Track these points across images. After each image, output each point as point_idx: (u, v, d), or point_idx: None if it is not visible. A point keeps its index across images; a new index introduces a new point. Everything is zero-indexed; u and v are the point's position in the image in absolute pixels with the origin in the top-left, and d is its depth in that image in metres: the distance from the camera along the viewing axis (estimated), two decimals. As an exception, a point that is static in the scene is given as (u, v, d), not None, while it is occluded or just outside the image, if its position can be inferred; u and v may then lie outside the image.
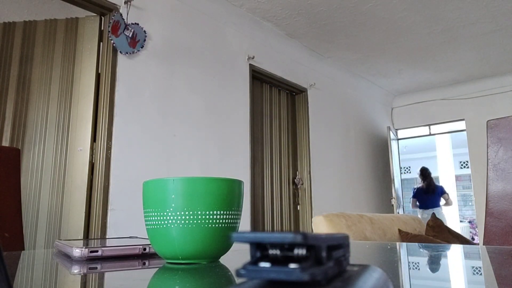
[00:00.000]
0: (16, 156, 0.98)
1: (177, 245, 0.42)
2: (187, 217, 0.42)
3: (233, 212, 0.45)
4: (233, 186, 0.45)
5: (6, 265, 0.18)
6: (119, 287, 0.34)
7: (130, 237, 0.67)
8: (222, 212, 0.43)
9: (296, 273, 0.15)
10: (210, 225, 0.43)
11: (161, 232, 0.43)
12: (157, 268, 0.44)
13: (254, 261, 0.17)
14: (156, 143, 2.78)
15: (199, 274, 0.38)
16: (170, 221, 0.42)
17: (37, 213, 2.44)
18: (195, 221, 0.42)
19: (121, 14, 2.65)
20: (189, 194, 0.42)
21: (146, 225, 0.45)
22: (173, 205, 0.42)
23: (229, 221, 0.44)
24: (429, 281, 0.34)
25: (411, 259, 0.48)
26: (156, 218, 0.43)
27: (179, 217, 0.42)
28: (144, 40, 2.75)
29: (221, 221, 0.43)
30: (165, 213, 0.43)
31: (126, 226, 2.51)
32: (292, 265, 0.16)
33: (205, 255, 0.43)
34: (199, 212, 0.42)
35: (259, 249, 0.17)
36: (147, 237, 0.64)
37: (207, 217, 0.42)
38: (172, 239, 0.42)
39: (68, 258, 0.50)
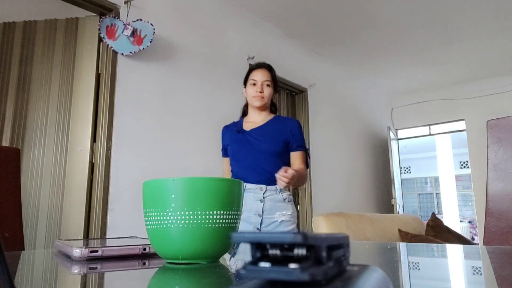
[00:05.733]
0: (16, 156, 0.98)
1: (177, 245, 0.42)
2: (187, 217, 0.42)
3: (233, 212, 0.45)
4: (233, 186, 0.45)
5: (8, 264, 0.18)
6: (119, 287, 0.34)
7: (130, 237, 0.67)
8: (222, 212, 0.43)
9: (296, 273, 0.15)
10: (210, 225, 0.43)
11: (161, 232, 0.43)
12: (157, 268, 0.44)
13: (254, 261, 0.17)
14: (156, 143, 2.78)
15: (199, 274, 0.38)
16: (170, 221, 0.42)
17: (37, 213, 2.44)
18: (195, 221, 0.42)
19: (114, 17, 2.62)
20: (189, 194, 0.42)
21: (146, 225, 0.45)
22: (173, 205, 0.42)
23: (229, 221, 0.44)
24: (429, 281, 0.34)
25: (411, 259, 0.48)
26: (156, 218, 0.43)
27: (179, 217, 0.42)
28: (153, 33, 2.69)
29: (221, 221, 0.43)
30: (165, 213, 0.43)
31: (126, 226, 2.51)
32: (292, 265, 0.16)
33: (205, 255, 0.43)
34: (199, 212, 0.42)
35: (259, 249, 0.17)
36: (147, 237, 0.64)
37: (207, 217, 0.42)
38: (172, 239, 0.42)
39: (68, 258, 0.50)
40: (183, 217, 0.42)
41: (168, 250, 0.43)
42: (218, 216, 0.43)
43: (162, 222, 0.43)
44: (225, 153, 2.02)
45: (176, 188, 0.43)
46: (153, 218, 0.44)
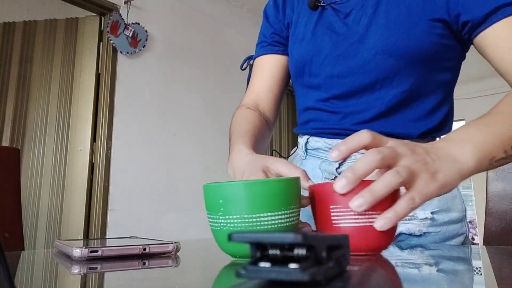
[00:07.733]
0: (16, 156, 0.98)
1: (243, 245, 0.44)
2: (250, 220, 0.43)
3: (292, 211, 0.46)
4: (291, 184, 0.46)
5: (9, 264, 0.18)
6: (119, 287, 0.34)
7: (130, 237, 0.67)
8: (283, 212, 0.45)
9: (296, 273, 0.15)
10: (275, 226, 0.44)
11: (226, 233, 0.45)
12: (157, 268, 0.44)
13: (254, 261, 0.17)
14: (156, 143, 2.78)
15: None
16: (235, 223, 0.44)
17: (37, 213, 2.44)
18: (258, 223, 0.43)
19: (120, 14, 2.64)
20: (251, 197, 0.44)
21: (211, 226, 0.47)
22: (237, 208, 0.44)
23: (290, 219, 0.45)
24: (429, 281, 0.34)
25: (411, 259, 0.48)
26: (220, 220, 0.45)
27: (244, 220, 0.43)
28: (146, 39, 2.75)
29: (283, 220, 0.45)
30: (229, 216, 0.44)
31: (126, 226, 2.51)
32: (292, 265, 0.16)
33: None
34: (261, 215, 0.43)
35: (259, 249, 0.17)
36: (147, 237, 0.64)
37: (271, 217, 0.44)
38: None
39: (68, 258, 0.50)
40: (248, 219, 0.44)
41: (236, 250, 0.45)
42: (280, 216, 0.45)
43: (228, 225, 0.45)
44: (270, 49, 0.85)
45: (239, 191, 0.44)
46: (217, 220, 0.45)
